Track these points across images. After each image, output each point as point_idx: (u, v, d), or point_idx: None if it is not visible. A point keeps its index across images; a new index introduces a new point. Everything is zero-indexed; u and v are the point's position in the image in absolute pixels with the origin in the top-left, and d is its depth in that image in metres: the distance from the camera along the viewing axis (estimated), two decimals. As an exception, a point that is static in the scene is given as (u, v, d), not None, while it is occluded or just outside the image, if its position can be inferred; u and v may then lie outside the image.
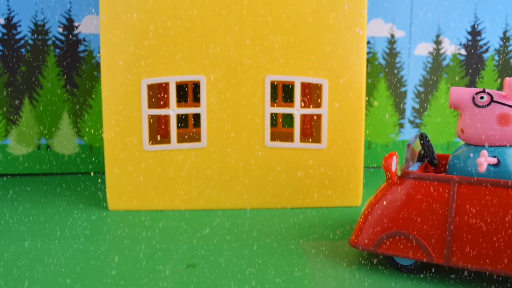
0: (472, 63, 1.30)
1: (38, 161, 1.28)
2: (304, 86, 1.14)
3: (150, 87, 1.00)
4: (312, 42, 0.97)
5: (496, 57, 1.30)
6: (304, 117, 1.16)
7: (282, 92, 1.23)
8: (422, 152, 0.79)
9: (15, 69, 1.24)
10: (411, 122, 1.33)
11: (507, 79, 0.71)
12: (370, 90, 1.30)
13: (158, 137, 1.07)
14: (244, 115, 0.98)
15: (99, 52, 1.20)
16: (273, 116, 1.22)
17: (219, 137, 0.99)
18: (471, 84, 1.31)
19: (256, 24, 0.96)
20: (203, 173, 1.00)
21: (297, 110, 0.99)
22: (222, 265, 0.74)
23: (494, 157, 0.69)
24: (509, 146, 0.70)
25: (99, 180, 1.22)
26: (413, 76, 1.31)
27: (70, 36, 1.24)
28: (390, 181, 0.71)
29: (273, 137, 1.03)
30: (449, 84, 1.31)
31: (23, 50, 1.23)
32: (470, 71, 1.30)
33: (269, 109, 0.98)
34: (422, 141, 0.79)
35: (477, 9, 1.28)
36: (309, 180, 1.00)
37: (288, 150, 1.00)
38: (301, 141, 1.01)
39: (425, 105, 1.32)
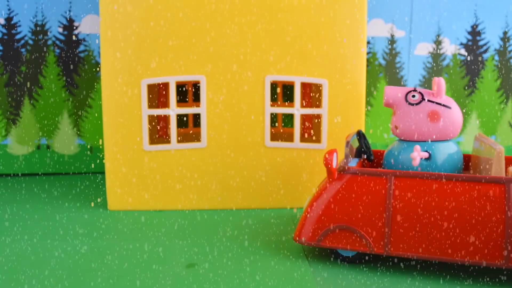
0: (472, 63, 1.30)
1: (38, 161, 1.28)
2: (305, 86, 1.14)
3: (150, 87, 1.00)
4: (312, 42, 0.97)
5: (496, 57, 1.30)
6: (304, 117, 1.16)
7: (282, 92, 1.23)
8: (360, 148, 0.83)
9: (15, 69, 1.24)
10: (411, 122, 1.33)
11: (435, 78, 0.77)
12: (370, 90, 1.30)
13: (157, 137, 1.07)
14: (244, 115, 0.98)
15: (99, 52, 1.20)
16: (273, 116, 1.22)
17: (219, 137, 0.99)
18: (471, 84, 1.31)
19: (256, 24, 0.96)
20: (203, 173, 1.00)
21: (297, 110, 0.99)
22: (222, 265, 0.74)
23: (426, 151, 0.75)
24: (439, 141, 0.76)
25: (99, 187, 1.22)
26: (413, 76, 1.31)
27: (70, 36, 1.24)
28: (330, 177, 0.74)
29: (273, 137, 1.03)
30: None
31: (23, 50, 1.23)
32: (470, 71, 1.30)
33: (269, 109, 0.99)
34: (359, 138, 0.83)
35: (477, 9, 1.28)
36: (309, 180, 1.00)
37: (288, 150, 1.00)
38: (301, 141, 1.01)
39: None
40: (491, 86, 1.31)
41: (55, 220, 0.94)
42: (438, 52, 1.30)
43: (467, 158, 0.84)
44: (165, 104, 1.10)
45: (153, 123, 1.04)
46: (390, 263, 0.75)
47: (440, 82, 0.76)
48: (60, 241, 0.83)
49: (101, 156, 1.29)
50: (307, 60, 0.97)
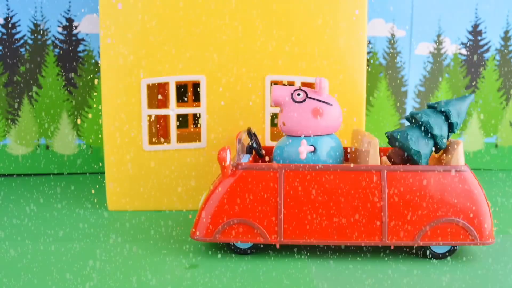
0: (473, 62, 1.30)
1: (37, 161, 1.28)
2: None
3: (150, 87, 1.00)
4: (312, 42, 0.96)
5: (497, 57, 1.29)
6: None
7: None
8: (251, 145, 0.86)
9: (15, 69, 1.24)
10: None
11: (317, 78, 0.81)
12: (371, 90, 1.30)
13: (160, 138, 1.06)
14: (244, 115, 0.98)
15: (99, 52, 1.20)
16: (273, 116, 1.22)
17: (219, 137, 0.99)
18: (472, 84, 1.30)
19: (256, 24, 0.96)
20: (203, 173, 1.00)
21: (297, 110, 0.99)
22: (224, 265, 0.74)
23: (311, 145, 0.79)
24: (323, 135, 0.81)
25: (97, 186, 1.22)
26: (413, 76, 1.31)
27: (70, 36, 1.24)
28: (224, 173, 0.76)
29: (273, 137, 1.03)
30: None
31: (22, 50, 1.23)
32: (471, 70, 1.30)
33: (269, 109, 0.98)
34: (250, 136, 0.86)
35: (478, 8, 1.28)
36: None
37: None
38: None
39: (426, 105, 1.32)
40: (492, 86, 1.31)
41: (55, 220, 0.94)
42: (439, 51, 1.30)
43: (346, 150, 0.91)
44: (165, 104, 1.09)
45: (150, 123, 1.04)
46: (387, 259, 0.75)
47: (321, 82, 0.80)
48: (60, 241, 0.83)
49: (101, 156, 1.29)
50: (307, 60, 0.97)
